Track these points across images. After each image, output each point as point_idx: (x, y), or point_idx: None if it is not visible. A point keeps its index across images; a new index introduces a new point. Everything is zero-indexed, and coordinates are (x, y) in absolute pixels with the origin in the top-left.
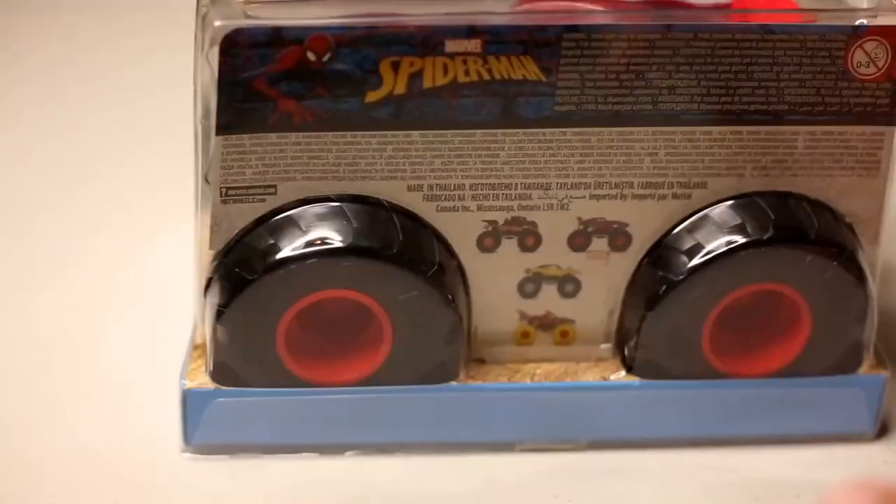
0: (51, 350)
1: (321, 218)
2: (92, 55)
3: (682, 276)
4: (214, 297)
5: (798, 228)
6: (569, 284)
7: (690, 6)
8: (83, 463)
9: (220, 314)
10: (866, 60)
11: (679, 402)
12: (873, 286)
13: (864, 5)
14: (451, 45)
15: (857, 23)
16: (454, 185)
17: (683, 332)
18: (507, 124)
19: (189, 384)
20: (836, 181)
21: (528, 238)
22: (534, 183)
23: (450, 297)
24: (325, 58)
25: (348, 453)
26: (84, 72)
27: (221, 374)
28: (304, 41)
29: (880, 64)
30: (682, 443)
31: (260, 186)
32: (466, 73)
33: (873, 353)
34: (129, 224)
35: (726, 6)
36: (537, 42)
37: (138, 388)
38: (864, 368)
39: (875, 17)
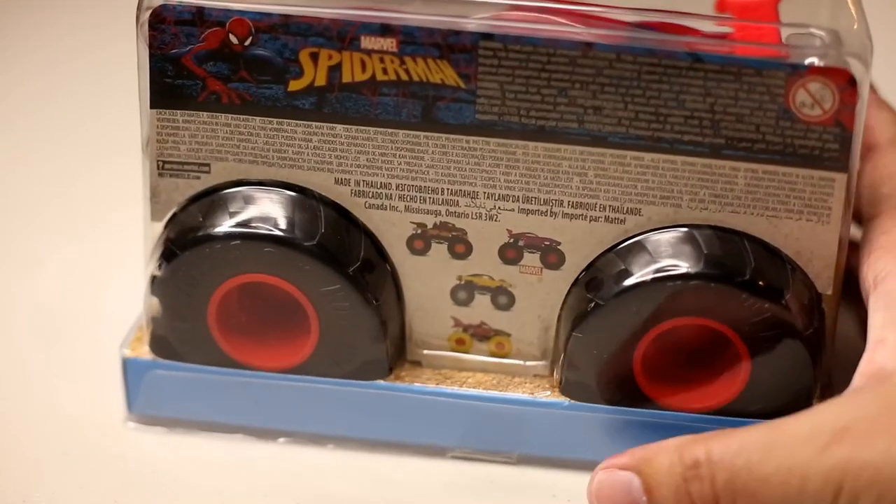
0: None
1: (250, 201)
2: (91, 55)
3: (608, 300)
4: (151, 268)
5: (731, 266)
6: (502, 296)
7: (694, 33)
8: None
9: (152, 284)
10: (810, 101)
11: (609, 428)
12: (824, 337)
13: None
14: (365, 42)
15: (794, 61)
16: (381, 182)
17: (613, 358)
18: (428, 127)
19: (128, 353)
20: (783, 224)
21: (458, 245)
22: (461, 190)
23: (372, 294)
24: (247, 42)
25: (282, 440)
26: (84, 71)
27: (158, 345)
28: (226, 23)
29: (826, 106)
30: None
31: (194, 163)
32: (385, 71)
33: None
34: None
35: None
36: (453, 47)
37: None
38: None
39: (826, 55)
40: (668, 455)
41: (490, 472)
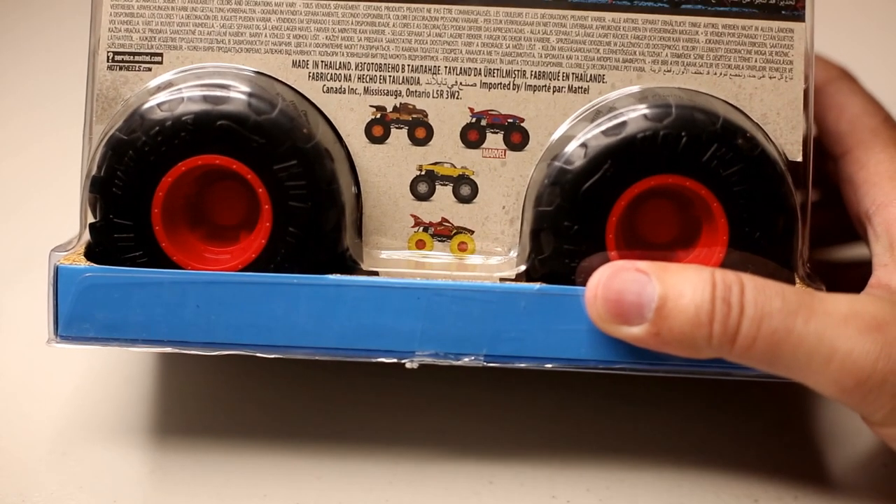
0: None
1: (202, 86)
2: None
3: (575, 164)
4: (92, 170)
5: (700, 119)
6: (464, 186)
7: None
8: None
9: (92, 185)
10: None
11: (585, 315)
12: (796, 198)
13: None
14: None
15: None
16: (340, 62)
17: (585, 237)
18: None
19: (62, 262)
20: (746, 83)
21: (419, 129)
22: (422, 66)
23: (330, 172)
24: None
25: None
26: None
27: (95, 252)
28: None
29: None
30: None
31: (146, 53)
32: None
33: (807, 276)
34: None
35: None
36: None
37: None
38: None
39: None
40: (699, 273)
41: (490, 472)
